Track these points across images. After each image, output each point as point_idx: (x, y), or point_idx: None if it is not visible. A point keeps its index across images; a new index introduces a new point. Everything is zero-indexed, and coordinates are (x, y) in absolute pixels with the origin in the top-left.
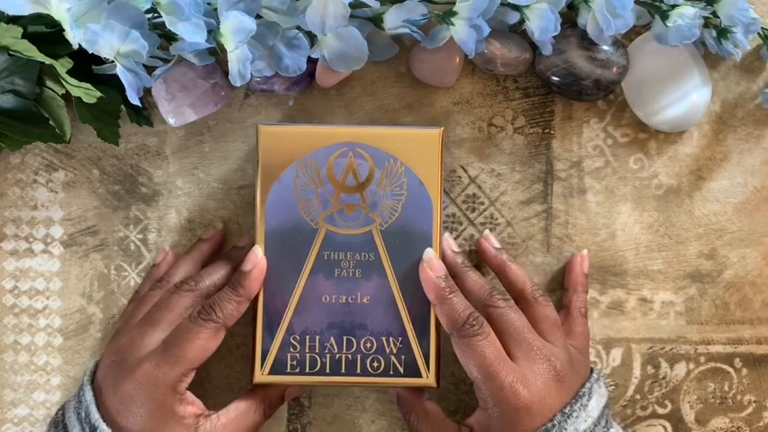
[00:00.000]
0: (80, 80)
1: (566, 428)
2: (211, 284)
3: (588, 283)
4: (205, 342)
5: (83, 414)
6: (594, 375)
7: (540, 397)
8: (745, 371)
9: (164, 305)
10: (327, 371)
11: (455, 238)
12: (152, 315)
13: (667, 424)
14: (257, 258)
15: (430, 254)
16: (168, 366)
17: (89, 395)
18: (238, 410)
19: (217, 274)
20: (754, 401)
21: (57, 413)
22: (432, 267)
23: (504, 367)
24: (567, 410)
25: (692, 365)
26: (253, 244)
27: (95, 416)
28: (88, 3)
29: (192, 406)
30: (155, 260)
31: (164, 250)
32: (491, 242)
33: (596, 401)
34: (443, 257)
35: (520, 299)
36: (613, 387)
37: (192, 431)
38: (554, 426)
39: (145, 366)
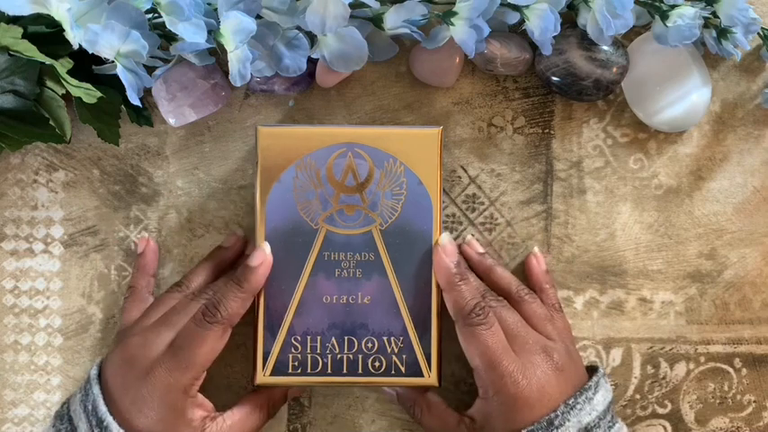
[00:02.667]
0: (80, 80)
1: (569, 420)
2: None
3: (552, 278)
4: (213, 344)
5: (89, 407)
6: (601, 371)
7: (539, 386)
8: (744, 371)
9: (182, 310)
10: (329, 371)
11: (455, 238)
12: (170, 318)
13: (667, 424)
14: (265, 255)
15: (445, 239)
16: (180, 372)
17: (96, 389)
18: (243, 412)
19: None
20: (754, 401)
21: (62, 406)
22: (446, 253)
23: (506, 357)
24: (570, 402)
25: (691, 365)
26: (240, 244)
27: (102, 409)
28: (88, 3)
29: (200, 409)
30: (137, 249)
31: (143, 238)
32: (474, 247)
33: (602, 396)
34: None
35: (508, 299)
36: (613, 387)
37: None
38: (557, 416)
39: (157, 371)
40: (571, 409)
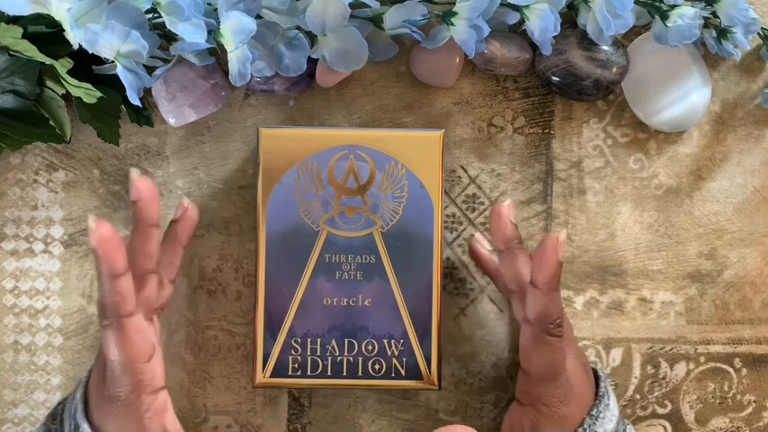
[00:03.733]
0: (80, 80)
1: (595, 431)
2: None
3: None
4: (115, 342)
5: (72, 411)
6: (603, 375)
7: (579, 392)
8: (744, 371)
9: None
10: (329, 373)
11: (455, 239)
12: None
13: (667, 424)
14: (101, 230)
15: (563, 236)
16: (111, 384)
17: (80, 393)
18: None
19: None
20: (754, 401)
21: (57, 406)
22: (558, 250)
23: (564, 371)
24: (594, 413)
25: (691, 365)
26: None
27: (80, 415)
28: (88, 3)
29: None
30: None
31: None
32: (484, 245)
33: (613, 400)
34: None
35: None
36: (613, 387)
37: None
38: (585, 430)
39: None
40: (596, 420)
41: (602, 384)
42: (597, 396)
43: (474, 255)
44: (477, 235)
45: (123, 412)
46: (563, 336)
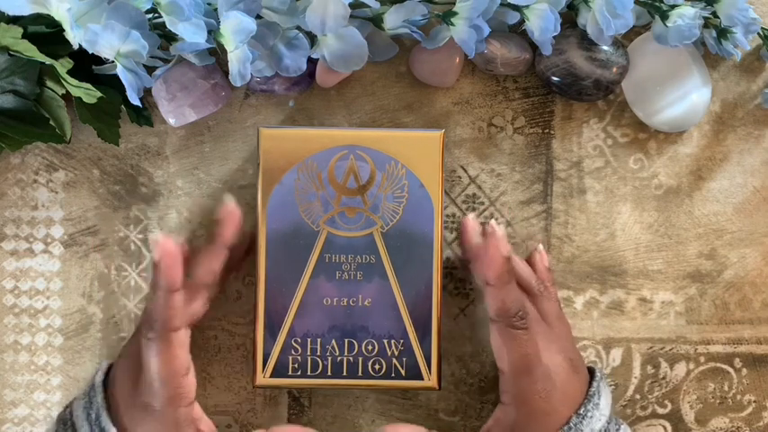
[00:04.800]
0: (80, 80)
1: (581, 430)
2: None
3: (553, 276)
4: (161, 355)
5: (93, 416)
6: (598, 374)
7: (563, 390)
8: (745, 371)
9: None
10: (329, 373)
11: (455, 239)
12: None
13: (667, 424)
14: (166, 246)
15: (501, 230)
16: (152, 396)
17: (100, 398)
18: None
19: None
20: (754, 401)
21: (65, 410)
22: (502, 246)
23: (540, 364)
24: (581, 411)
25: (691, 365)
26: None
27: (106, 420)
28: (88, 3)
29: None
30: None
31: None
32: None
33: (605, 400)
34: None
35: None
36: (613, 387)
37: None
38: (570, 428)
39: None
40: (582, 418)
41: (594, 383)
42: (587, 395)
43: (463, 237)
44: (472, 216)
45: (160, 422)
46: (528, 328)
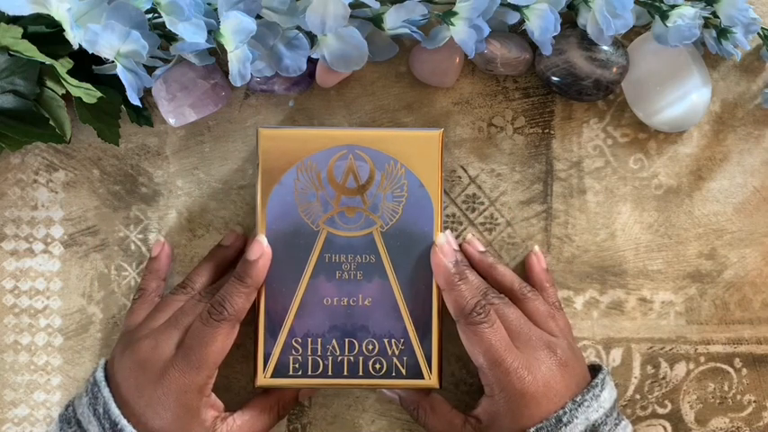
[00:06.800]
0: (80, 80)
1: (577, 417)
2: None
3: (552, 277)
4: (222, 341)
5: (100, 410)
6: (605, 369)
7: (545, 381)
8: (745, 371)
9: (190, 311)
10: (330, 373)
11: (455, 238)
12: (178, 319)
13: (667, 424)
14: (263, 247)
15: (443, 239)
16: (193, 372)
17: (106, 392)
18: (253, 413)
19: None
20: (754, 401)
21: (66, 409)
22: (443, 253)
23: (510, 354)
24: (578, 399)
25: (691, 365)
26: (240, 242)
27: (116, 412)
28: (88, 3)
29: (213, 409)
30: (151, 252)
31: (159, 241)
32: (475, 246)
33: (609, 393)
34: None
35: (510, 297)
36: None
37: None
38: (565, 413)
39: (171, 373)
40: (579, 405)
41: (600, 375)
42: (589, 385)
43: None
44: (470, 236)
45: (182, 403)
46: (490, 321)
